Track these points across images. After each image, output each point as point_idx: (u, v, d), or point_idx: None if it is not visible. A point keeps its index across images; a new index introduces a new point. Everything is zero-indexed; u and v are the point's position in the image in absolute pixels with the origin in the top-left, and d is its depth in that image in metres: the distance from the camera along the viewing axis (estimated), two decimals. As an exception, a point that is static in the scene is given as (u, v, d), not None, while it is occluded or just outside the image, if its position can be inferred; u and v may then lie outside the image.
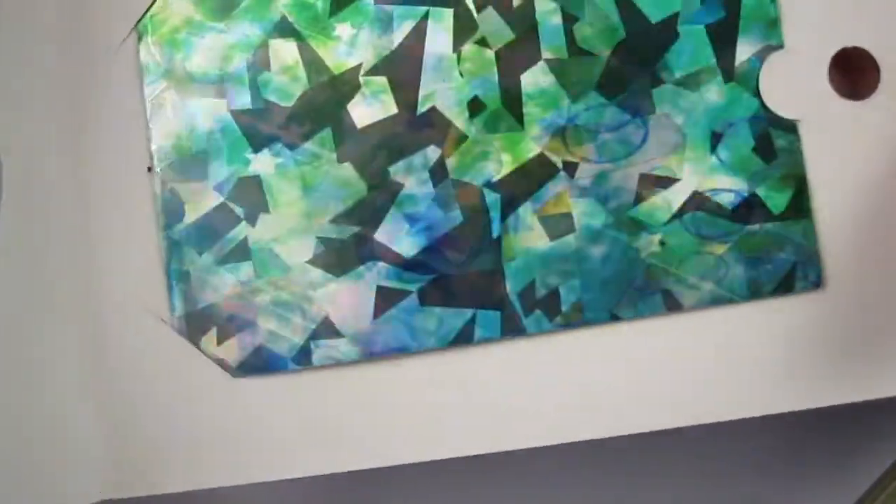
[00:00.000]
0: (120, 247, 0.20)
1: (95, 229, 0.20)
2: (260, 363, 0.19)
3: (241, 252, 0.19)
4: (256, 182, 0.20)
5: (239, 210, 0.19)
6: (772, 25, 0.19)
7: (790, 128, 0.19)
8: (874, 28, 0.19)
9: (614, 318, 0.19)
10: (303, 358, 0.19)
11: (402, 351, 0.19)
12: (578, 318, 0.19)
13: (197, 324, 0.19)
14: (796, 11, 0.19)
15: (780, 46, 0.19)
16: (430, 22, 0.20)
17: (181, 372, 0.19)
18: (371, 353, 0.19)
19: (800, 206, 0.19)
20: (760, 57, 0.19)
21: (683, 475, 0.23)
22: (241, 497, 0.22)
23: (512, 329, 0.19)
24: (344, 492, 0.23)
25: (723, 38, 0.19)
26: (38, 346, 0.19)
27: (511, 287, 0.19)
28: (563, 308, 0.19)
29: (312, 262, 0.19)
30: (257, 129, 0.20)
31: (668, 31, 0.19)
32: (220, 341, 0.19)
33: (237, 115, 0.20)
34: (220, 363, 0.19)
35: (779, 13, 0.19)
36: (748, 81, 0.19)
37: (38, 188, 0.19)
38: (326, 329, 0.19)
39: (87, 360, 0.19)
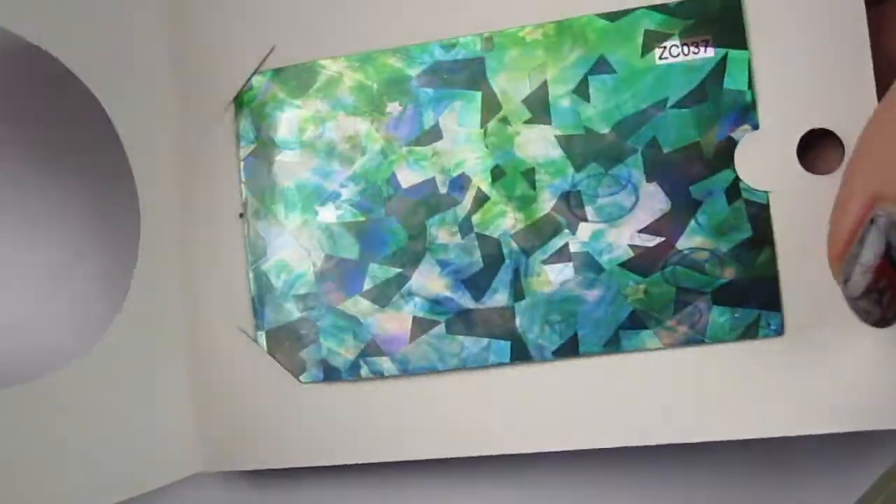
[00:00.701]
0: (218, 278, 0.25)
1: (198, 263, 0.25)
2: (321, 373, 0.24)
3: (310, 284, 0.24)
4: (323, 228, 0.24)
5: (307, 250, 0.24)
6: (749, 109, 0.22)
7: (761, 198, 0.22)
8: (838, 113, 0.22)
9: (605, 351, 0.23)
10: (354, 371, 0.24)
11: (431, 369, 0.24)
12: (574, 350, 0.23)
13: (274, 340, 0.25)
14: (770, 98, 0.22)
15: (756, 127, 0.22)
16: (462, 102, 0.24)
17: (261, 376, 0.25)
18: (407, 370, 0.24)
19: (766, 265, 0.22)
20: (737, 136, 0.22)
21: (683, 474, 0.26)
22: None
23: (519, 356, 0.23)
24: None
25: (705, 119, 0.23)
26: (152, 353, 0.24)
27: (520, 322, 0.24)
28: (562, 341, 0.23)
29: (363, 294, 0.24)
30: (323, 186, 0.25)
31: (658, 112, 0.23)
32: (292, 354, 0.25)
33: (309, 174, 0.25)
34: (291, 371, 0.25)
35: (755, 99, 0.22)
36: (725, 156, 0.23)
37: (154, 227, 0.25)
38: (373, 349, 0.24)
39: (191, 367, 0.25)
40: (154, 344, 0.24)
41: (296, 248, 0.25)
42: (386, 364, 0.24)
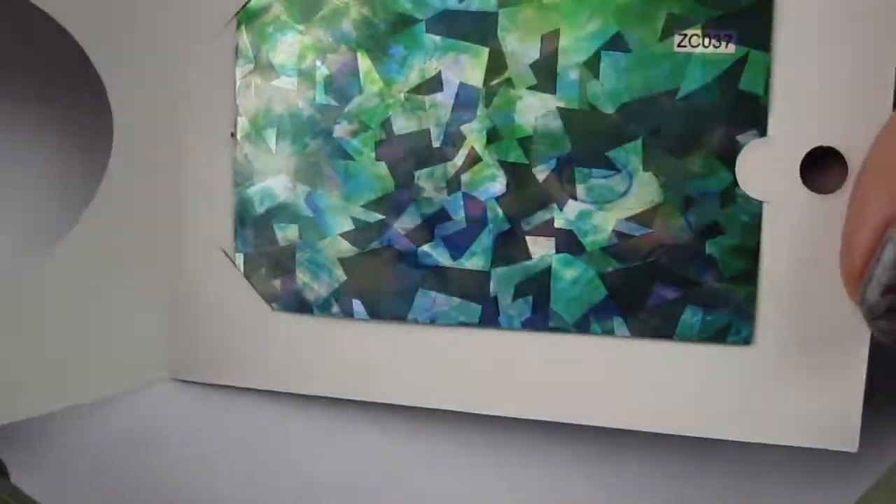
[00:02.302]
0: (203, 195, 0.25)
1: (185, 177, 0.25)
2: (293, 304, 0.25)
3: (292, 216, 0.24)
4: (311, 163, 0.24)
5: (294, 182, 0.24)
6: (760, 114, 0.21)
7: (755, 207, 0.22)
8: (850, 134, 0.21)
9: (572, 329, 0.23)
10: (325, 308, 0.24)
11: (400, 318, 0.24)
12: (543, 324, 0.23)
13: (251, 263, 0.25)
14: (784, 106, 0.21)
15: (764, 134, 0.21)
16: (468, 56, 0.23)
17: (234, 297, 0.25)
18: (377, 315, 0.24)
19: (748, 274, 0.22)
20: (743, 140, 0.22)
21: (683, 473, 0.26)
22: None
23: (488, 321, 0.24)
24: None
25: (713, 117, 0.22)
26: (130, 264, 0.25)
27: (494, 288, 0.23)
28: (533, 313, 0.23)
29: (344, 235, 0.24)
30: (317, 120, 0.24)
31: (667, 102, 0.22)
32: (266, 280, 0.25)
33: (304, 105, 0.24)
34: (264, 296, 0.25)
35: (769, 106, 0.21)
36: (727, 159, 0.22)
37: (143, 139, 0.24)
38: (346, 289, 0.24)
39: (167, 277, 0.25)
40: (127, 248, 0.24)
41: (282, 177, 0.24)
42: (357, 306, 0.24)
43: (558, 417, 0.24)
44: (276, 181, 0.24)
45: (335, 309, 0.24)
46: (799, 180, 0.21)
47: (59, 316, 0.23)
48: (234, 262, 0.25)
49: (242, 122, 0.24)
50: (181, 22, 0.24)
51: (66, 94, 0.27)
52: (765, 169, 0.22)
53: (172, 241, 0.25)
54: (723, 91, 0.22)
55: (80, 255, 0.24)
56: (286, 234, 0.24)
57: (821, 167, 0.21)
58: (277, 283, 0.25)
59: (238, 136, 0.24)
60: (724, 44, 0.21)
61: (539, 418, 0.24)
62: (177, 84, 0.25)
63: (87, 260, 0.24)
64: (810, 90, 0.21)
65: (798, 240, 0.22)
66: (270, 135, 0.24)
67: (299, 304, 0.25)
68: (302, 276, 0.24)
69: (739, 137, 0.22)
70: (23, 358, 0.23)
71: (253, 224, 0.25)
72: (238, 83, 0.24)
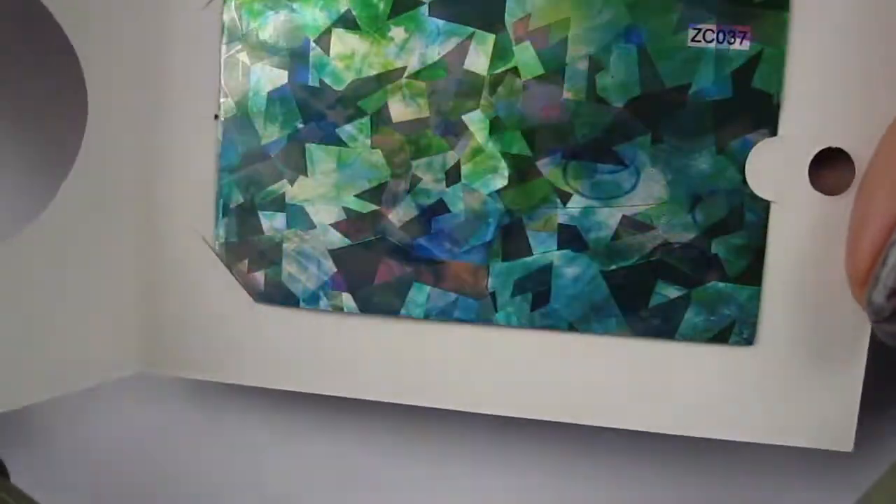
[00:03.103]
0: (184, 178, 0.23)
1: (164, 160, 0.23)
2: (277, 296, 0.23)
3: (279, 203, 0.23)
4: (301, 148, 0.23)
5: (282, 168, 0.23)
6: (772, 113, 0.21)
7: (763, 206, 0.21)
8: (860, 137, 0.21)
9: (572, 328, 0.23)
10: (312, 301, 0.23)
11: (393, 313, 0.23)
12: (543, 322, 0.23)
13: (234, 253, 0.23)
14: (797, 106, 0.21)
15: (774, 133, 0.21)
16: (472, 42, 0.22)
17: (214, 288, 0.23)
18: (367, 310, 0.23)
19: (752, 274, 0.22)
20: (753, 139, 0.21)
21: (683, 473, 0.26)
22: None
23: (485, 318, 0.23)
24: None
25: (725, 114, 0.21)
26: (103, 241, 0.23)
27: (492, 284, 0.23)
28: (532, 311, 0.23)
29: (335, 225, 0.23)
30: (309, 103, 0.23)
31: (678, 97, 0.21)
32: (249, 271, 0.23)
33: (295, 87, 0.23)
34: (247, 288, 0.23)
35: (781, 105, 0.21)
36: (736, 158, 0.21)
37: (119, 118, 0.23)
38: (335, 282, 0.23)
39: (141, 261, 0.24)
40: (101, 234, 0.23)
41: (270, 162, 0.23)
42: (347, 300, 0.23)
43: (557, 417, 0.23)
44: (262, 167, 0.23)
45: (324, 303, 0.23)
46: (807, 181, 0.21)
47: (25, 306, 0.22)
48: (215, 252, 0.24)
49: (227, 103, 0.23)
50: (167, -3, 0.23)
51: (41, 73, 0.25)
52: (774, 169, 0.21)
53: (150, 228, 0.24)
54: (735, 88, 0.21)
55: (50, 241, 0.22)
56: (272, 222, 0.23)
57: (829, 168, 0.21)
58: (261, 274, 0.23)
59: (222, 118, 0.23)
60: (738, 40, 0.21)
61: (537, 418, 0.23)
62: (157, 61, 0.23)
63: (58, 246, 0.22)
64: (823, 91, 0.21)
65: (804, 240, 0.22)
66: (258, 118, 0.23)
67: (285, 297, 0.23)
68: (288, 268, 0.23)
69: (749, 136, 0.21)
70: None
71: (236, 211, 0.23)
72: (223, 62, 0.23)
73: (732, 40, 0.21)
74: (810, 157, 0.21)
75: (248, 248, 0.23)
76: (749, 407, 0.22)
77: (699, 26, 0.21)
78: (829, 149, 0.21)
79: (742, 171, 0.21)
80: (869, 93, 0.21)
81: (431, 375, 0.23)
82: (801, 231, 0.21)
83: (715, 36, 0.21)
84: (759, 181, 0.21)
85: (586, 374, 0.23)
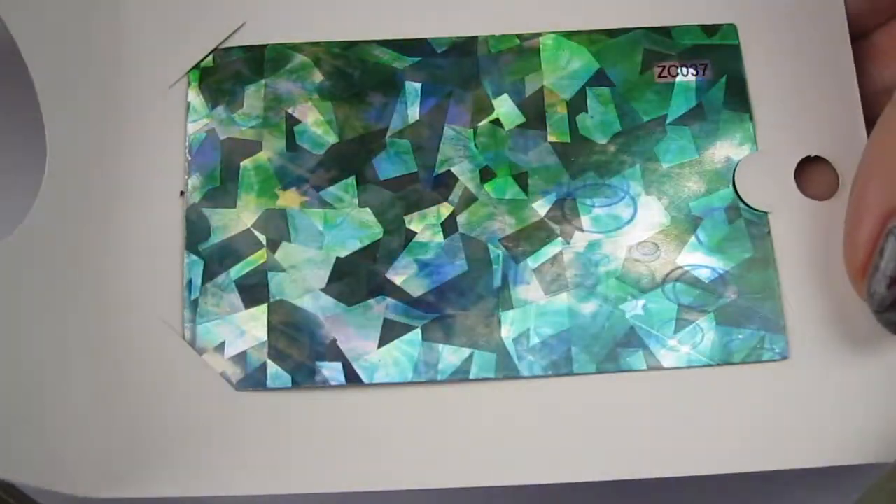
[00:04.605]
0: (145, 258, 0.21)
1: (125, 240, 0.21)
2: (264, 378, 0.20)
3: (259, 275, 0.21)
4: (282, 214, 0.21)
5: (262, 237, 0.21)
6: (747, 132, 0.22)
7: (762, 218, 0.22)
8: (831, 141, 0.22)
9: (600, 370, 0.21)
10: (307, 377, 0.20)
11: (401, 380, 0.20)
12: (568, 367, 0.21)
13: (207, 336, 0.20)
14: (767, 124, 0.22)
15: (755, 149, 0.22)
16: (451, 101, 0.22)
17: (186, 380, 0.20)
18: (372, 380, 0.20)
19: (768, 285, 0.21)
20: (736, 156, 0.22)
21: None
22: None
23: (506, 370, 0.20)
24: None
25: (704, 137, 0.22)
26: (61, 334, 0.19)
27: (507, 333, 0.21)
28: (554, 357, 0.21)
29: (326, 290, 0.21)
30: (287, 169, 0.21)
31: (657, 127, 0.22)
32: (227, 354, 0.20)
33: (272, 155, 0.22)
34: (225, 375, 0.20)
35: (754, 122, 0.22)
36: (725, 175, 0.22)
37: (76, 193, 0.20)
38: (332, 353, 0.20)
39: (101, 357, 0.20)
40: (65, 323, 0.19)
41: (247, 233, 0.21)
42: (348, 371, 0.20)
43: (597, 477, 0.20)
44: (238, 238, 0.21)
45: (320, 377, 0.20)
46: (795, 188, 0.22)
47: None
48: (183, 337, 0.20)
49: (194, 179, 0.21)
50: (132, 77, 0.22)
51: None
52: (763, 179, 0.22)
53: (106, 311, 0.20)
54: (708, 112, 0.22)
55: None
56: (253, 294, 0.20)
57: (816, 175, 0.22)
58: (243, 355, 0.20)
59: (189, 194, 0.21)
60: (701, 71, 0.23)
61: (574, 480, 0.20)
62: (121, 140, 0.21)
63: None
64: (788, 106, 0.22)
65: (808, 244, 0.21)
66: (231, 188, 0.21)
67: (273, 378, 0.20)
68: (276, 342, 0.20)
69: (732, 154, 0.22)
70: None
71: (210, 289, 0.20)
72: (189, 139, 0.22)
73: (696, 72, 0.23)
74: (793, 167, 0.22)
75: (225, 327, 0.20)
76: (796, 427, 0.20)
77: (663, 63, 0.23)
78: (811, 159, 0.22)
79: (734, 187, 0.22)
80: (830, 103, 0.22)
81: (457, 448, 0.20)
82: (804, 235, 0.22)
83: (679, 70, 0.23)
84: (752, 193, 0.22)
85: (625, 417, 0.20)
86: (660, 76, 0.23)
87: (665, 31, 0.23)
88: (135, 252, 0.21)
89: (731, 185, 0.22)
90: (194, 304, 0.20)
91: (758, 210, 0.22)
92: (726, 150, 0.22)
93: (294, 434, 0.20)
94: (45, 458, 0.18)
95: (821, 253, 0.22)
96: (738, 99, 0.22)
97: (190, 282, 0.21)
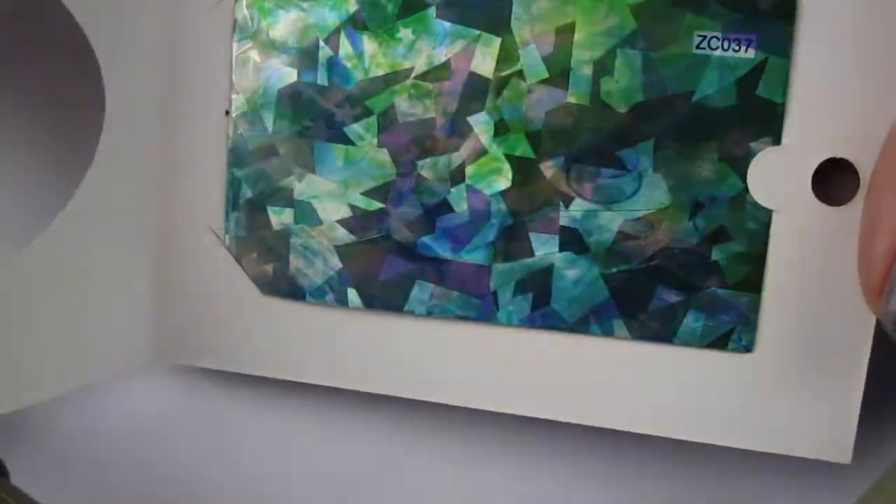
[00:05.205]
0: (195, 174, 0.24)
1: (177, 156, 0.24)
2: (285, 289, 0.24)
3: (287, 199, 0.23)
4: (310, 146, 0.23)
5: (291, 165, 0.23)
6: (775, 122, 0.21)
7: (765, 215, 0.21)
8: (863, 147, 0.21)
9: (572, 329, 0.23)
10: (319, 295, 0.24)
11: (396, 309, 0.23)
12: (542, 323, 0.23)
13: (243, 246, 0.24)
14: (800, 116, 0.21)
15: (778, 142, 0.21)
16: (478, 45, 0.22)
17: (224, 280, 0.24)
18: (372, 305, 0.24)
19: (752, 281, 0.22)
20: (756, 148, 0.21)
21: (679, 476, 0.26)
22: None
23: (487, 317, 0.23)
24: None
25: (728, 122, 0.21)
26: (119, 237, 0.24)
27: (494, 283, 0.23)
28: (532, 311, 0.23)
29: (341, 222, 0.23)
30: (317, 102, 0.23)
31: (681, 104, 0.21)
32: (258, 264, 0.24)
33: (304, 86, 0.23)
34: (255, 280, 0.24)
35: (785, 114, 0.21)
36: (739, 166, 0.21)
37: (135, 115, 0.23)
38: (341, 278, 0.24)
39: (154, 259, 0.24)
40: (114, 229, 0.23)
41: (278, 159, 0.24)
42: (352, 295, 0.24)
43: (554, 416, 0.23)
44: (271, 163, 0.24)
45: (329, 297, 0.24)
46: (810, 190, 0.21)
47: (40, 302, 0.23)
48: (224, 245, 0.24)
49: (238, 99, 0.23)
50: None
51: (58, 74, 0.25)
52: (776, 177, 0.21)
53: (161, 222, 0.24)
54: (739, 96, 0.21)
55: (69, 238, 0.23)
56: (280, 218, 0.24)
57: (833, 178, 0.21)
58: (269, 267, 0.24)
59: (233, 115, 0.24)
60: (743, 48, 0.21)
61: (535, 416, 0.23)
62: (171, 58, 0.24)
63: (76, 242, 0.23)
64: (827, 101, 0.21)
65: (806, 249, 0.21)
66: (268, 115, 0.23)
67: (292, 290, 0.24)
68: (295, 262, 0.24)
69: (753, 144, 0.21)
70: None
71: (246, 206, 0.24)
72: (235, 59, 0.23)
73: (738, 48, 0.21)
74: (813, 168, 0.21)
75: (257, 242, 0.24)
76: (746, 414, 0.22)
77: (704, 33, 0.21)
78: (833, 159, 0.21)
79: (744, 179, 0.21)
80: (874, 103, 0.20)
81: (433, 371, 0.24)
82: (803, 240, 0.21)
83: (720, 43, 0.21)
84: (762, 190, 0.21)
85: (585, 374, 0.23)
86: (698, 46, 0.21)
87: (716, -6, 0.21)
88: (187, 168, 0.24)
89: (742, 177, 0.21)
90: (234, 218, 0.24)
91: (763, 206, 0.21)
92: (748, 138, 0.21)
93: (302, 337, 0.24)
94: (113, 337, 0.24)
95: (818, 257, 0.21)
96: (775, 85, 0.21)
97: (231, 198, 0.24)
